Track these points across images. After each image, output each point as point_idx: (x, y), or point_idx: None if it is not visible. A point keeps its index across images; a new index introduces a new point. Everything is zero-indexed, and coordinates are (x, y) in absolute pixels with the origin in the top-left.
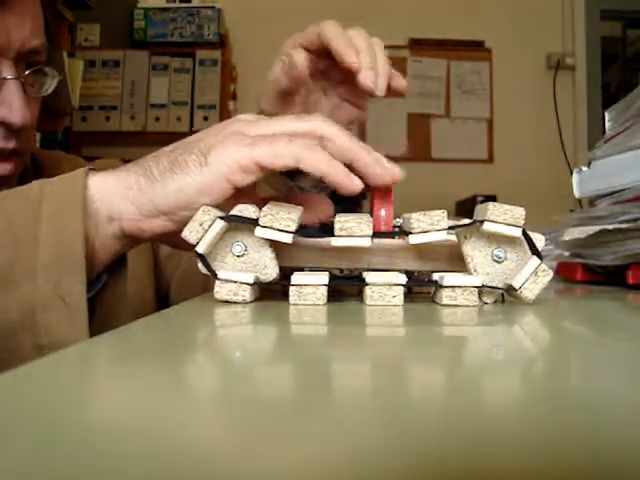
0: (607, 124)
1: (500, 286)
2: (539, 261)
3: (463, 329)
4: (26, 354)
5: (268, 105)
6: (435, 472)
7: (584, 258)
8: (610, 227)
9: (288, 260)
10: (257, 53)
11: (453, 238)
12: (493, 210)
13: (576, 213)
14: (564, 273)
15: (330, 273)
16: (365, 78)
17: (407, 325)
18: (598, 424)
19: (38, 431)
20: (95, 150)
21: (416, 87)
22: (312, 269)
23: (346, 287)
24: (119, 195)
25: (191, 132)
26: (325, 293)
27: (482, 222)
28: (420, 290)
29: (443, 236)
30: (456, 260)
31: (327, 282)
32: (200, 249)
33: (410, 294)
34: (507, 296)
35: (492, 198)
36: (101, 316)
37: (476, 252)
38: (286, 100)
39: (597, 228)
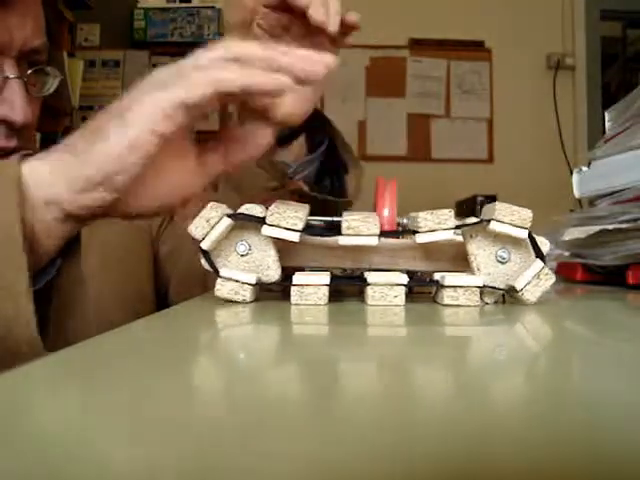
0: (607, 124)
1: (501, 287)
2: (542, 264)
3: (465, 329)
4: None
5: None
6: (436, 471)
7: (584, 258)
8: (610, 227)
9: (292, 259)
10: None
11: (459, 238)
12: (500, 210)
13: (576, 213)
14: (564, 273)
15: (331, 273)
16: (316, 13)
17: (410, 325)
18: (598, 424)
19: (39, 431)
20: None
21: (416, 87)
22: (315, 269)
23: (347, 287)
24: (52, 177)
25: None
26: (326, 293)
27: (489, 221)
28: (421, 290)
29: (450, 235)
30: (460, 260)
31: (328, 282)
32: (205, 245)
33: (411, 294)
34: (507, 297)
35: (492, 198)
36: (59, 302)
37: (480, 251)
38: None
39: (597, 228)
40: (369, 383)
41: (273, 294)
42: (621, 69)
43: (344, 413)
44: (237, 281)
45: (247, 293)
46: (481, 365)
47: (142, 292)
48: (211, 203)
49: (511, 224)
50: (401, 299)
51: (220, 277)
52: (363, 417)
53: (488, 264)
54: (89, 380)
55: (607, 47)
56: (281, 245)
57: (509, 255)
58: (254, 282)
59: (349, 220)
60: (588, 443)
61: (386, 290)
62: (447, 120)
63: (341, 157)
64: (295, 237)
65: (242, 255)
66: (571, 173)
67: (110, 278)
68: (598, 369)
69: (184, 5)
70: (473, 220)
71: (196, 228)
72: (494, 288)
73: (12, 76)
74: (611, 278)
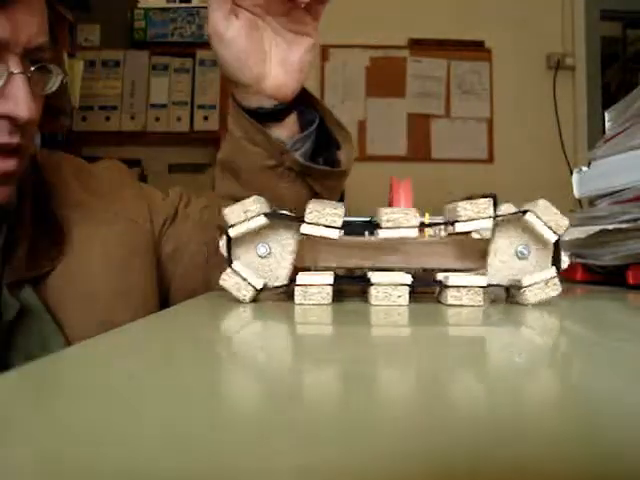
0: (607, 124)
1: (505, 283)
2: (555, 274)
3: (469, 329)
4: None
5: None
6: (437, 470)
7: (584, 258)
8: (610, 227)
9: (324, 260)
10: None
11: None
12: (542, 207)
13: (576, 213)
14: (564, 273)
15: (335, 273)
16: None
17: (417, 325)
18: (598, 424)
19: (39, 431)
20: (95, 150)
21: (416, 87)
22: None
23: (349, 287)
24: None
25: (191, 132)
26: (330, 293)
27: (525, 212)
28: (424, 290)
29: (489, 224)
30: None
31: (332, 282)
32: (232, 233)
33: (414, 294)
34: (504, 295)
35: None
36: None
37: (502, 240)
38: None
39: (597, 228)
40: (389, 384)
41: (275, 293)
42: (621, 69)
43: (377, 416)
44: (245, 279)
45: (249, 294)
46: (481, 365)
47: (145, 292)
48: (255, 197)
49: (546, 224)
50: (405, 299)
51: (231, 268)
52: (394, 420)
53: (505, 253)
54: (89, 380)
55: (607, 47)
56: (308, 246)
57: (528, 253)
58: (260, 287)
59: (388, 213)
60: (588, 443)
61: (390, 290)
62: (447, 120)
63: (332, 134)
64: (335, 234)
65: (260, 256)
66: (571, 173)
67: (112, 278)
68: (598, 369)
69: (184, 5)
70: (511, 210)
71: (231, 212)
72: (496, 286)
73: (16, 72)
74: (611, 278)
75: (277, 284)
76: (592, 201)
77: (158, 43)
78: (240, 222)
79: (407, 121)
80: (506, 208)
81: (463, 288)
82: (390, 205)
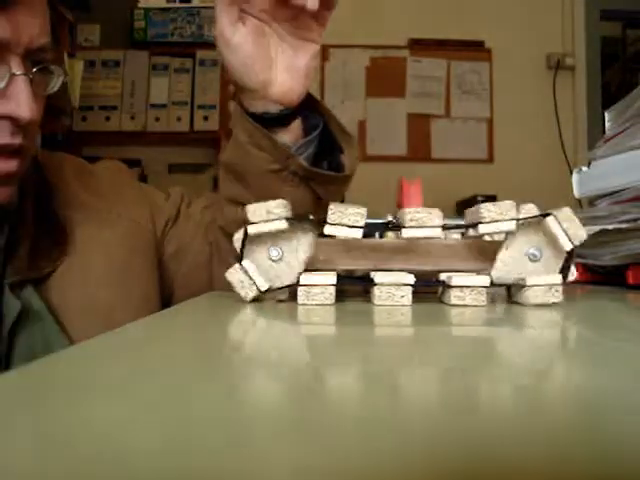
0: (607, 124)
1: (509, 279)
2: (560, 282)
3: (473, 329)
4: None
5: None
6: (437, 470)
7: (584, 258)
8: (610, 227)
9: (345, 263)
10: None
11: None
12: (565, 214)
13: (576, 213)
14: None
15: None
16: None
17: (422, 325)
18: (598, 424)
19: (38, 430)
20: (95, 150)
21: (416, 87)
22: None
23: (351, 287)
24: None
25: (191, 132)
26: (333, 293)
27: (545, 216)
28: (426, 290)
29: (512, 226)
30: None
31: (335, 282)
32: (251, 230)
33: (416, 294)
34: (503, 295)
35: (492, 198)
36: None
37: (517, 238)
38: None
39: (597, 228)
40: (400, 385)
41: (278, 293)
42: (621, 69)
43: (396, 417)
44: (251, 279)
45: (251, 294)
46: (481, 365)
47: (147, 293)
48: (280, 201)
49: (564, 231)
50: (408, 299)
51: (240, 264)
52: (406, 419)
53: (517, 251)
54: (89, 380)
55: (607, 47)
56: (326, 249)
57: (540, 256)
58: (264, 290)
59: (412, 212)
60: (588, 443)
61: (393, 290)
62: (447, 120)
63: (336, 138)
64: (358, 234)
65: (271, 259)
66: (571, 173)
67: (114, 279)
68: (597, 369)
69: (184, 5)
70: (533, 212)
71: (254, 211)
72: (499, 285)
73: (18, 73)
74: (611, 278)
75: (284, 283)
76: (592, 201)
77: (158, 43)
78: (261, 222)
79: (407, 121)
80: (529, 209)
81: (466, 288)
82: (399, 206)
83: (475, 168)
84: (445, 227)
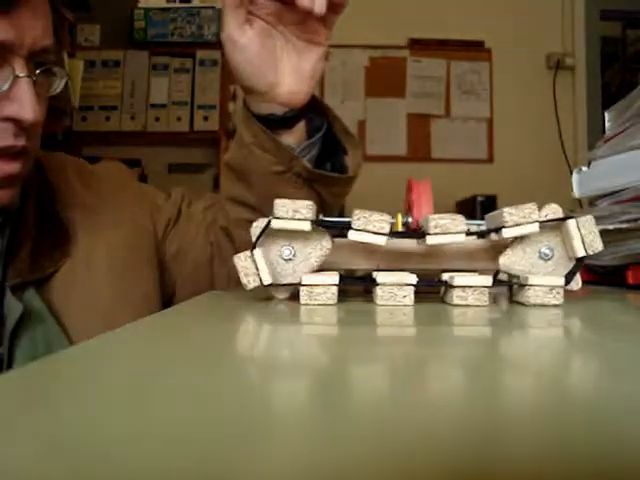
0: (607, 124)
1: (514, 269)
2: (563, 285)
3: (476, 329)
4: None
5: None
6: (440, 470)
7: None
8: (610, 227)
9: (366, 263)
10: None
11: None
12: (586, 221)
13: (576, 213)
14: None
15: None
16: (301, 0)
17: (426, 325)
18: (598, 424)
19: (37, 430)
20: (95, 150)
21: (416, 87)
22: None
23: (352, 287)
24: None
25: (191, 132)
26: (336, 293)
27: (566, 219)
28: (428, 290)
29: (535, 228)
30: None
31: (338, 282)
32: (274, 224)
33: (418, 294)
34: (505, 295)
35: (492, 198)
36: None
37: (535, 234)
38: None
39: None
40: (404, 385)
41: (280, 292)
42: (621, 69)
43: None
44: (257, 270)
45: (253, 284)
46: (482, 365)
47: (148, 293)
48: (309, 202)
49: (582, 237)
50: (410, 299)
51: (251, 253)
52: (415, 418)
53: (530, 246)
54: (89, 380)
55: (607, 47)
56: (346, 251)
57: (551, 257)
58: (266, 284)
59: (436, 219)
60: (588, 443)
61: (395, 290)
62: (447, 120)
63: (339, 140)
64: (382, 240)
65: (282, 257)
66: (571, 173)
67: (116, 281)
68: (598, 369)
69: (184, 5)
70: (558, 214)
71: (282, 206)
72: (501, 284)
73: (22, 75)
74: (611, 278)
75: (284, 282)
76: (592, 201)
77: (158, 43)
78: (286, 218)
79: (407, 121)
80: (553, 209)
81: (469, 288)
82: (409, 207)
83: (475, 168)
84: (469, 233)
